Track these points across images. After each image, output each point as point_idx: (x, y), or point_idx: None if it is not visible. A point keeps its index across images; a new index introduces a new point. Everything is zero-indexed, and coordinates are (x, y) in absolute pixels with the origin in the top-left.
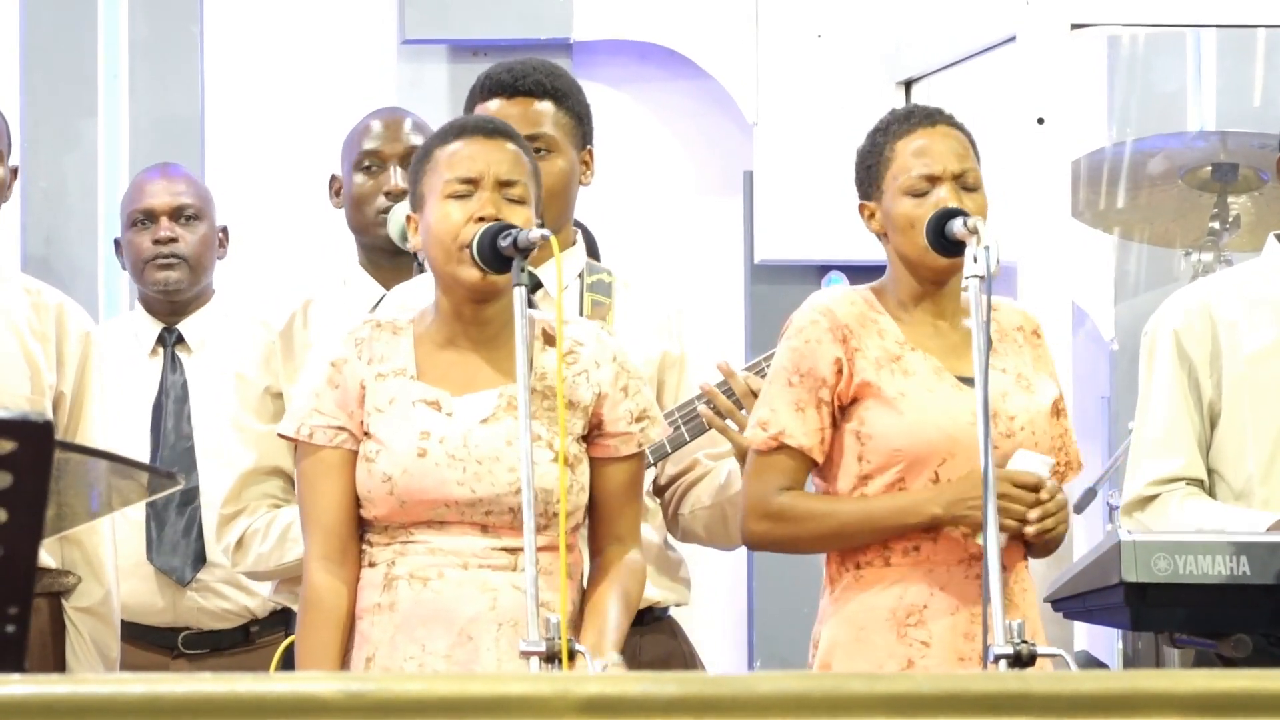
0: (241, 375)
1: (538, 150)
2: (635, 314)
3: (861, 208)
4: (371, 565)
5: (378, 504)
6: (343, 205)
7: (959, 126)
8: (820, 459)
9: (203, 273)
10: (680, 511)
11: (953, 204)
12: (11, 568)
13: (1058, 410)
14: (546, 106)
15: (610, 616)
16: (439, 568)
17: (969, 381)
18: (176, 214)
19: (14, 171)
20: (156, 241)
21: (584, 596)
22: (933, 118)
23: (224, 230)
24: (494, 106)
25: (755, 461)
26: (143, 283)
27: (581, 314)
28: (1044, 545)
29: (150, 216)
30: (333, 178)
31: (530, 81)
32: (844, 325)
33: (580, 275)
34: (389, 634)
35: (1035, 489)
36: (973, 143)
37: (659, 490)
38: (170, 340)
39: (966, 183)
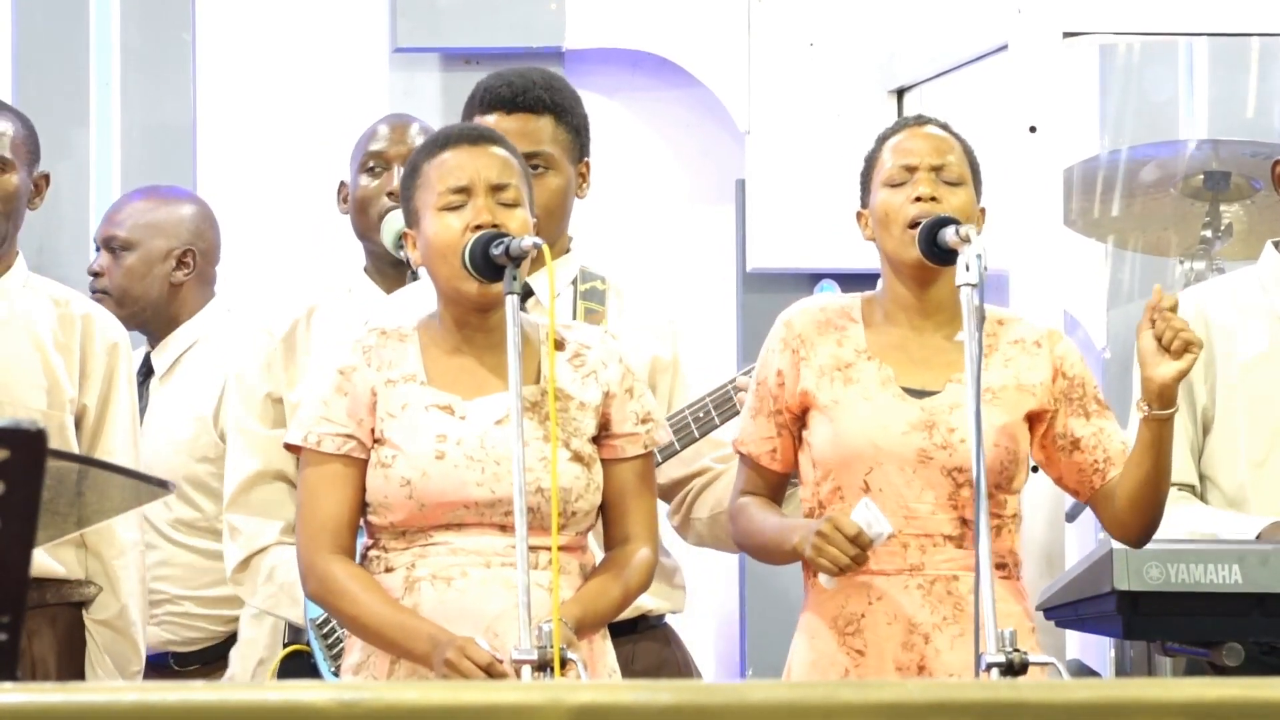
0: (241, 378)
1: (535, 167)
2: (628, 320)
3: (858, 216)
4: (389, 570)
5: (395, 509)
6: (349, 211)
7: (950, 131)
8: (775, 466)
9: None
10: (695, 515)
11: (924, 188)
12: (3, 576)
13: (1036, 420)
14: (546, 123)
15: (594, 594)
16: (462, 567)
17: (917, 394)
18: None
19: (46, 178)
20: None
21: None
22: (921, 120)
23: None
24: (492, 121)
25: None
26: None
27: (574, 321)
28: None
29: None
30: (341, 184)
31: (530, 97)
32: (798, 335)
33: (574, 282)
34: None
35: (855, 540)
36: (965, 147)
37: (660, 496)
38: None
39: (946, 176)
